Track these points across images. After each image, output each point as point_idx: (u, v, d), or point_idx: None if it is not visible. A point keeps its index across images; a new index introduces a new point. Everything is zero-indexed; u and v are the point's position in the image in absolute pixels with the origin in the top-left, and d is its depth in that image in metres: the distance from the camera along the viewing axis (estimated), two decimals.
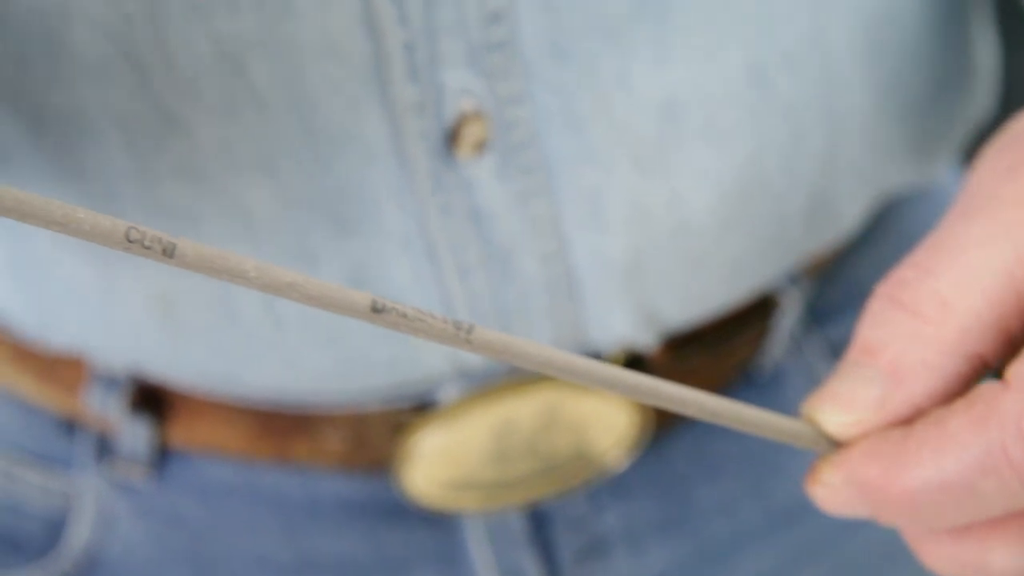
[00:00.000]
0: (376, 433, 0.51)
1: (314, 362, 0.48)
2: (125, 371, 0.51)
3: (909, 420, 0.35)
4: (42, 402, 0.54)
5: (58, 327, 0.50)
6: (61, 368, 0.52)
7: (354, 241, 0.45)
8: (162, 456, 0.53)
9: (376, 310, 0.29)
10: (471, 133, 0.43)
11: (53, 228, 0.27)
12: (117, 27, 0.41)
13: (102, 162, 0.44)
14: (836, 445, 0.36)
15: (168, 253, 0.27)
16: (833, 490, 0.36)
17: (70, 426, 0.54)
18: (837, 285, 0.57)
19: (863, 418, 0.35)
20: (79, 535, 0.54)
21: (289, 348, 0.47)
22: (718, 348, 0.53)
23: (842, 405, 0.35)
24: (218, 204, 0.44)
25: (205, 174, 0.44)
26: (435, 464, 0.50)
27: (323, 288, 0.28)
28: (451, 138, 0.43)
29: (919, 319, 0.35)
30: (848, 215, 0.52)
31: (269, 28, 0.41)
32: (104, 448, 0.53)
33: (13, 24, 0.42)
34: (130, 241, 0.27)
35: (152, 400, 0.52)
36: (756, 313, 0.53)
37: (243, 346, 0.48)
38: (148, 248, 0.27)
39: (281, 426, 0.51)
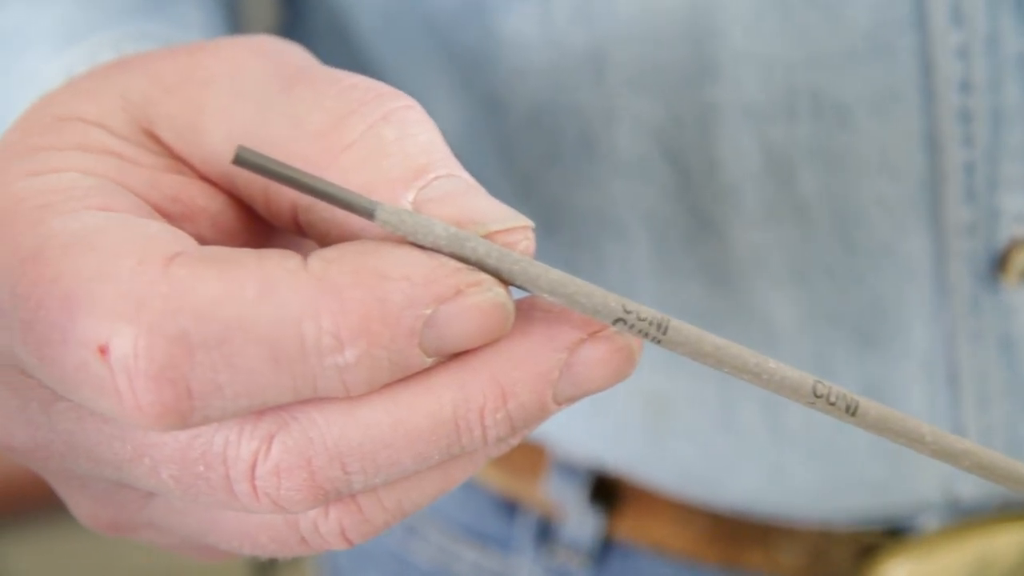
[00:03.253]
0: (839, 553, 0.49)
1: (802, 476, 0.46)
2: (587, 462, 0.50)
3: None
4: (485, 481, 0.54)
5: None
6: (513, 452, 0.52)
7: (874, 357, 0.43)
8: (605, 548, 0.52)
9: None
10: (1021, 260, 0.41)
11: (744, 377, 0.27)
12: (664, 129, 0.41)
13: (622, 256, 0.44)
14: None
15: (851, 411, 0.27)
16: None
17: (511, 508, 0.54)
18: None
19: None
20: None
21: (781, 459, 0.46)
22: None
23: None
24: (740, 308, 0.43)
25: (731, 278, 0.43)
26: None
27: (995, 459, 0.28)
28: (999, 263, 0.42)
29: None
30: None
31: (825, 139, 0.40)
32: (545, 533, 0.53)
33: (547, 122, 0.42)
34: (816, 396, 0.27)
35: (606, 491, 0.51)
36: None
37: (733, 452, 0.46)
38: (832, 404, 0.27)
39: (736, 533, 0.50)
